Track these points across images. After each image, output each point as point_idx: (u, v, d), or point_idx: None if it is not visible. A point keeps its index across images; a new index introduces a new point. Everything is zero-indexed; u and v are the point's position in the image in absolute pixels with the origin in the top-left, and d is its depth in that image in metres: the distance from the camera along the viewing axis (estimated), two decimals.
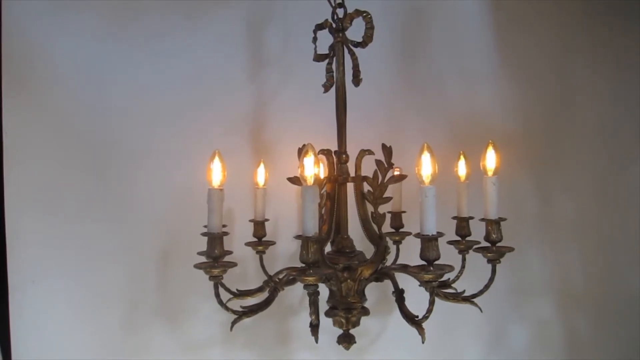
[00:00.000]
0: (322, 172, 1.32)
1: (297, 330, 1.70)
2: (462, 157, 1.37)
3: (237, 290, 1.34)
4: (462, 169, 1.37)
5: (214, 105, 1.67)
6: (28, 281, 1.58)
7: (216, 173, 1.21)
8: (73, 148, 1.61)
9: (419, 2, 1.77)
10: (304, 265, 1.07)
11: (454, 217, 1.38)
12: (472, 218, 1.37)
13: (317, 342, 1.22)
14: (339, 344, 1.31)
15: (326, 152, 1.31)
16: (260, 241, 1.49)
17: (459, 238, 1.37)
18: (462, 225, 1.37)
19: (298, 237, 1.08)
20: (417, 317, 1.17)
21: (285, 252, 1.61)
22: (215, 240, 1.18)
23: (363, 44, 1.30)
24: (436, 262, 1.10)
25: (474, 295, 1.23)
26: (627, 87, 1.78)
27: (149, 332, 1.65)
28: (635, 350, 1.74)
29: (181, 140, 1.65)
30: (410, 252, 1.38)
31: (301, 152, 1.30)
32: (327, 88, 1.34)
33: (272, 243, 1.50)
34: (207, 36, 1.68)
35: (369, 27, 1.28)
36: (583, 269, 1.79)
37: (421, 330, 1.16)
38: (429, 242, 1.08)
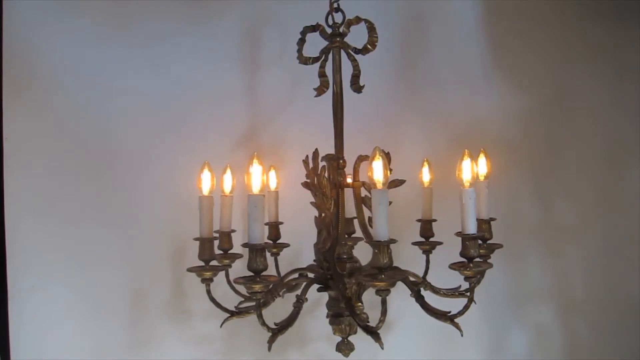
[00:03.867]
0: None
1: (298, 331, 1.69)
2: (426, 164, 1.44)
3: (235, 308, 1.30)
4: (426, 175, 1.44)
5: (213, 110, 1.66)
6: (28, 286, 1.55)
7: (257, 178, 1.11)
8: (73, 152, 1.59)
9: (418, 5, 1.78)
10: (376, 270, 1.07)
11: (419, 220, 1.44)
12: (434, 221, 1.43)
13: (383, 347, 1.18)
14: (340, 351, 1.31)
15: (330, 158, 1.30)
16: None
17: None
18: (427, 227, 1.44)
19: (371, 242, 1.06)
20: (449, 312, 1.18)
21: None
22: (258, 252, 1.09)
23: (364, 51, 1.29)
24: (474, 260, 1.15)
25: (468, 290, 1.26)
26: (627, 90, 1.81)
27: (149, 337, 1.64)
28: (635, 355, 1.77)
29: (181, 145, 1.63)
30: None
31: (315, 156, 1.29)
32: (320, 92, 1.32)
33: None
34: (207, 42, 1.68)
35: (373, 35, 1.27)
36: (583, 274, 1.82)
37: (456, 325, 1.17)
38: (470, 241, 1.14)
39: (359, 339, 1.29)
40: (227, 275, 1.37)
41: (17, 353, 1.55)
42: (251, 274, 1.10)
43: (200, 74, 1.66)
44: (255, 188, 1.11)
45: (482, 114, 1.77)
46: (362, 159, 1.32)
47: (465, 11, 1.79)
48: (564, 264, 1.82)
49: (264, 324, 1.16)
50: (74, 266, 1.58)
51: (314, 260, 1.34)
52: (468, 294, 1.26)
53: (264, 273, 1.10)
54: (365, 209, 1.34)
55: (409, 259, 1.34)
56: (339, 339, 1.31)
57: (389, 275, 1.07)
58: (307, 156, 1.32)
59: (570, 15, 1.82)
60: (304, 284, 1.25)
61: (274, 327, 1.18)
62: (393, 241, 1.06)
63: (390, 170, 1.31)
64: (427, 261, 1.42)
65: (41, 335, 1.56)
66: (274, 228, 1.50)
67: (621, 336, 1.82)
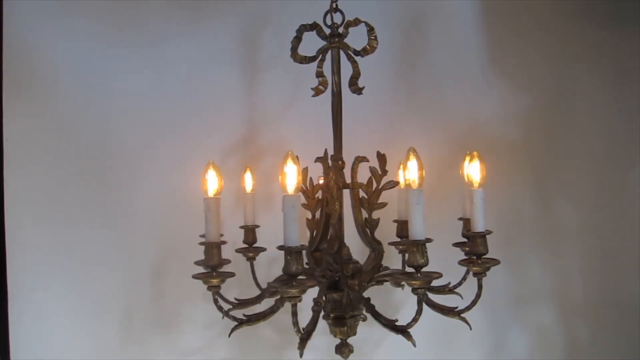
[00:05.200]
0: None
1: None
2: (401, 166, 1.42)
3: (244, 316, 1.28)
4: (401, 177, 1.42)
5: (212, 111, 1.66)
6: (28, 287, 1.55)
7: (291, 177, 1.06)
8: (73, 153, 1.59)
9: (418, 5, 1.77)
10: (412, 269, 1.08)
11: (395, 221, 1.45)
12: None
13: (415, 345, 1.18)
14: (340, 353, 1.30)
15: (334, 158, 1.30)
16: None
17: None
18: (403, 227, 1.44)
19: (406, 241, 1.06)
20: (456, 307, 1.18)
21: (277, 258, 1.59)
22: (296, 255, 1.04)
23: (364, 52, 1.28)
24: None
25: (456, 286, 1.31)
26: (627, 91, 1.80)
27: (147, 339, 1.64)
28: (635, 355, 1.76)
29: (180, 148, 1.63)
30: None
31: (324, 158, 1.28)
32: (318, 92, 1.30)
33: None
34: (207, 42, 1.67)
35: (373, 38, 1.27)
36: (583, 276, 1.81)
37: (464, 320, 1.19)
38: (480, 239, 1.18)
39: (358, 339, 1.30)
40: (252, 266, 1.40)
41: (17, 353, 1.55)
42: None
43: (200, 74, 1.66)
44: (291, 188, 1.06)
45: (482, 114, 1.77)
46: (360, 159, 1.32)
47: (465, 11, 1.78)
48: (564, 264, 1.81)
49: (299, 330, 1.14)
50: (73, 267, 1.58)
51: (306, 264, 1.33)
52: (457, 290, 1.31)
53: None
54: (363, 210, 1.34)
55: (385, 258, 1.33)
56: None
57: (425, 274, 1.09)
58: (296, 157, 1.32)
59: (570, 16, 1.80)
60: (319, 287, 1.24)
61: (305, 332, 1.16)
62: (429, 240, 1.08)
63: (386, 171, 1.32)
64: (404, 260, 1.43)
65: (41, 335, 1.57)
66: (251, 231, 1.46)
67: (621, 336, 1.81)
